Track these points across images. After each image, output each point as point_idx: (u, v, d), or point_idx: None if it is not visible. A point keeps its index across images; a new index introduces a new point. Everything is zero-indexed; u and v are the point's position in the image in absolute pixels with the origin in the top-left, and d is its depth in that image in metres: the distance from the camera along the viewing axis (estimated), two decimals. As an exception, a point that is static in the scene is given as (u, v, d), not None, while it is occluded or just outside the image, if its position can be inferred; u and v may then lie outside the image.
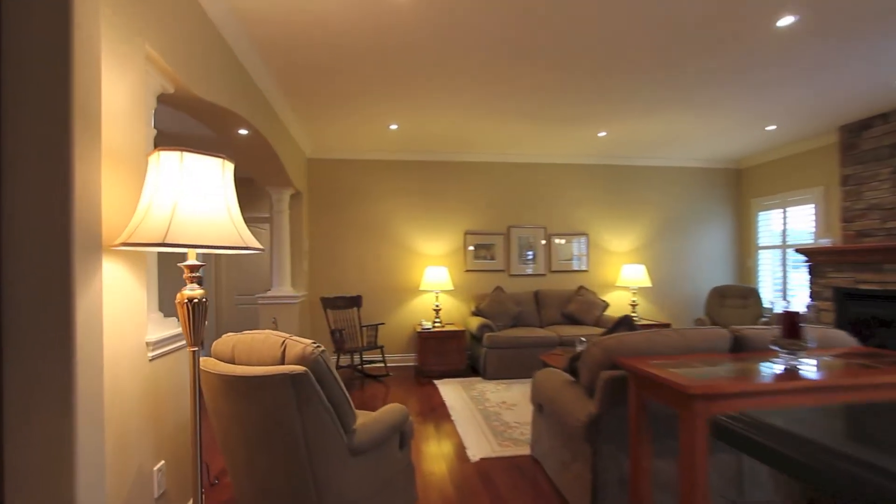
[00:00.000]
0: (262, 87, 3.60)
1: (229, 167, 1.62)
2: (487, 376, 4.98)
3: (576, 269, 6.19)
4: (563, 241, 6.18)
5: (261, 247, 1.65)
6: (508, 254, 6.04)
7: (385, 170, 5.80)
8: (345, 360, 5.45)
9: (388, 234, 5.78)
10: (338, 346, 4.79)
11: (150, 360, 1.87)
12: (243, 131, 3.59)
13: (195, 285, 1.60)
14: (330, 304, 5.03)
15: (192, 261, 1.60)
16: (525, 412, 3.87)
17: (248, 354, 1.84)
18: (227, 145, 3.98)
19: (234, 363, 1.87)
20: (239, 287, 6.68)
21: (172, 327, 2.13)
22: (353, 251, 5.72)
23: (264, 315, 4.75)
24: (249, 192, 6.62)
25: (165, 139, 4.92)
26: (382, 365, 5.06)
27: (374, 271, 5.75)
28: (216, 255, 6.50)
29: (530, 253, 6.10)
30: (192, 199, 1.46)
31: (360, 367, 5.22)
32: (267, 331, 1.91)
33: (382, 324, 5.19)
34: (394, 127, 4.82)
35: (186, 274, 1.59)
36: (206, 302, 1.62)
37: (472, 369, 5.44)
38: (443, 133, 5.06)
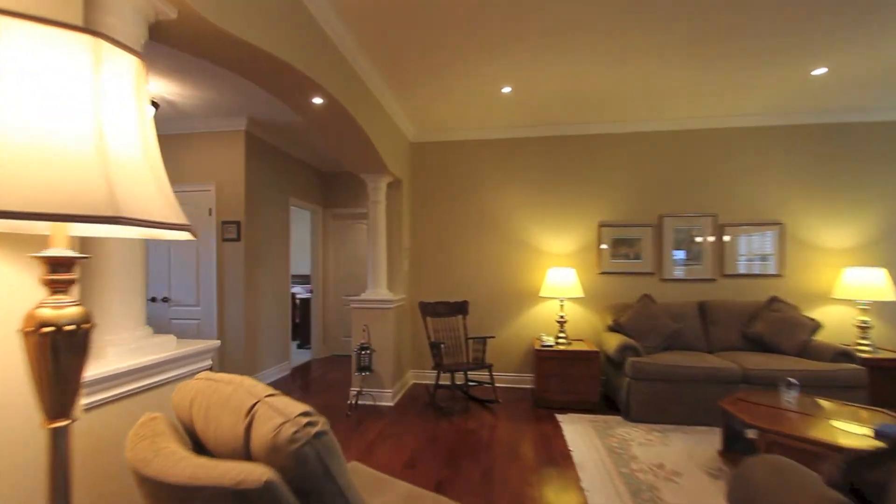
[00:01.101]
0: (342, 47, 2.90)
1: (116, 57, 0.80)
2: (631, 416, 3.66)
3: (763, 272, 4.43)
4: (742, 234, 4.47)
5: (178, 222, 0.80)
6: (660, 251, 4.56)
7: (497, 150, 4.82)
8: (447, 375, 4.62)
9: (502, 228, 4.79)
10: (437, 363, 3.96)
11: (86, 409, 1.19)
12: (318, 100, 2.95)
13: (62, 297, 0.82)
14: (429, 310, 4.24)
15: (54, 249, 0.82)
16: (698, 489, 2.53)
17: (205, 419, 1.03)
18: (313, 128, 3.42)
19: (194, 428, 1.09)
20: (347, 286, 6.36)
21: (153, 352, 1.45)
22: (460, 248, 4.86)
23: (356, 321, 4.15)
24: (351, 186, 6.25)
25: (257, 127, 4.66)
26: (490, 387, 4.09)
27: (483, 272, 4.81)
28: (315, 246, 6.24)
29: (689, 251, 4.53)
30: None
31: (464, 386, 4.33)
32: (239, 379, 1.08)
33: (492, 337, 4.24)
34: (507, 90, 3.81)
35: (44, 275, 0.81)
36: (86, 331, 0.83)
37: (608, 402, 4.14)
38: (569, 95, 3.88)
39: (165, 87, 3.72)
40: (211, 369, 1.90)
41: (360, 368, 3.91)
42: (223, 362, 4.48)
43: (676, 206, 4.54)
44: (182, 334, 4.54)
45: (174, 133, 4.60)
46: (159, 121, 4.47)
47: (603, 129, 4.61)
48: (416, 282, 4.93)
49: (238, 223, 4.45)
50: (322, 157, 5.88)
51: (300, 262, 8.59)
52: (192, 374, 1.60)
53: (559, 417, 3.78)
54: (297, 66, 2.38)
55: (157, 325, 4.60)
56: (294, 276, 8.58)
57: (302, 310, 6.85)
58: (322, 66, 2.71)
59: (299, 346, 6.79)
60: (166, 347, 1.51)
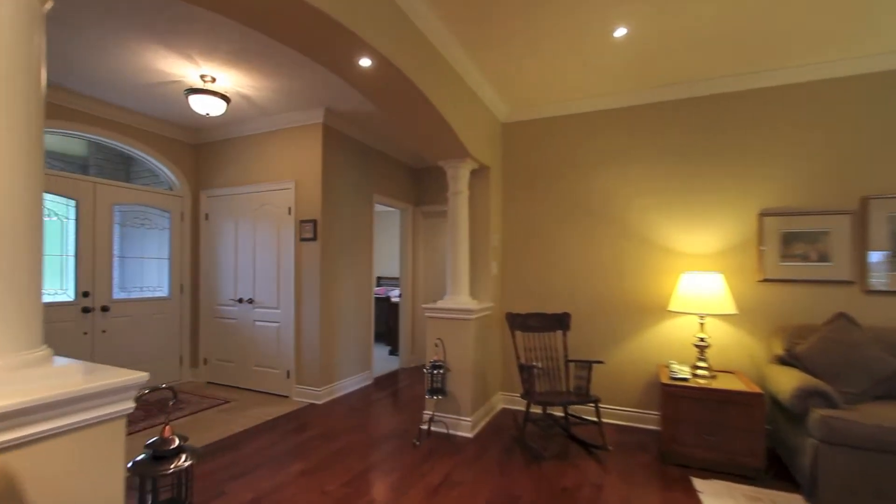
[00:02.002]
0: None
1: None
2: (820, 498, 2.41)
3: None
4: None
5: None
6: (863, 250, 3.10)
7: (607, 124, 3.82)
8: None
9: (615, 222, 3.77)
10: (527, 390, 3.14)
11: None
12: (365, 61, 2.40)
13: None
14: (519, 323, 3.44)
15: None
16: None
17: None
18: (370, 99, 2.92)
19: None
20: (439, 290, 5.83)
21: (16, 393, 0.96)
22: (561, 248, 3.95)
23: (431, 333, 3.54)
24: (442, 181, 5.69)
25: (336, 119, 4.34)
26: (597, 425, 3.11)
27: (589, 278, 3.83)
28: (404, 246, 5.80)
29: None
30: None
31: (563, 422, 3.41)
32: None
33: (600, 362, 3.27)
34: (621, 33, 2.85)
35: None
36: None
37: (776, 466, 2.88)
38: (713, 32, 2.77)
39: (236, 80, 3.55)
40: (169, 404, 1.41)
41: (432, 391, 3.28)
42: (300, 371, 4.24)
43: (890, 182, 3.04)
44: (264, 337, 4.43)
45: (255, 133, 4.54)
46: (240, 120, 4.43)
47: (769, 80, 3.31)
48: (506, 288, 4.14)
49: (314, 221, 4.17)
50: (410, 151, 5.45)
51: (393, 263, 8.39)
52: (99, 423, 1.09)
53: (697, 484, 2.67)
54: (329, 12, 1.83)
55: (243, 327, 4.56)
56: (389, 279, 8.42)
57: (395, 314, 6.53)
58: (367, 16, 2.14)
59: (391, 353, 6.47)
60: (57, 382, 1.03)
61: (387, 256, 8.63)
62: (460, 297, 3.57)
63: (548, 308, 3.93)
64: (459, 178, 3.66)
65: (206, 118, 4.41)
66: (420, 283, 5.90)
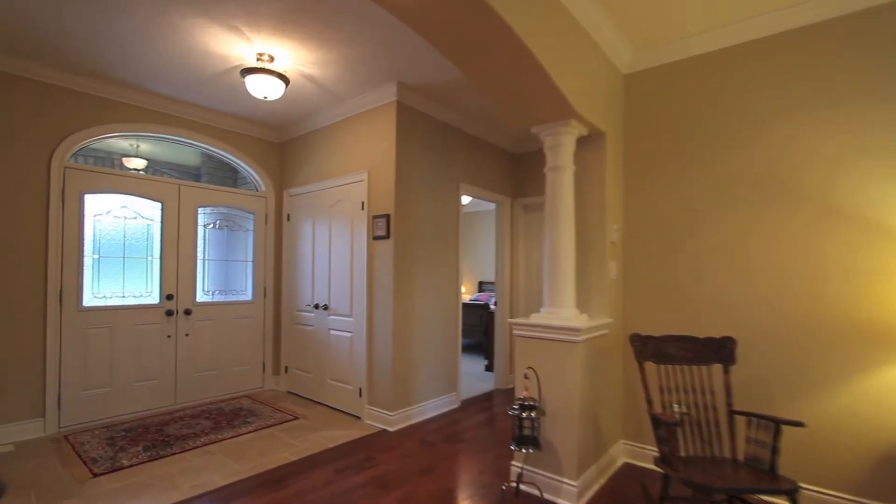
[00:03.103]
0: None
1: None
2: None
3: None
4: None
5: None
6: None
7: (801, 50, 2.50)
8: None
9: (810, 197, 2.43)
10: (664, 456, 2.05)
11: None
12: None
13: None
14: (651, 350, 2.34)
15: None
16: None
17: None
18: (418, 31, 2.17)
19: None
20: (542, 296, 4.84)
21: None
22: (714, 241, 2.72)
23: (520, 359, 2.62)
24: (533, 168, 4.69)
25: (412, 95, 3.66)
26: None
27: (769, 285, 2.53)
28: (501, 245, 4.91)
29: None
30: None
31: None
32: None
33: (797, 424, 2.01)
34: None
35: None
36: None
37: None
38: None
39: (293, 55, 3.10)
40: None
41: (520, 440, 2.36)
42: (372, 390, 3.65)
43: None
44: (338, 348, 3.96)
45: (329, 123, 4.15)
46: (313, 111, 4.02)
47: None
48: (631, 299, 3.03)
49: (387, 217, 3.57)
50: (507, 132, 4.59)
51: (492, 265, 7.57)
52: None
53: None
54: None
55: (319, 335, 4.16)
56: (490, 283, 7.62)
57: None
58: None
59: (487, 368, 5.63)
60: None
61: (485, 258, 7.87)
62: (562, 311, 2.59)
63: (697, 329, 2.73)
64: (561, 149, 2.69)
65: (285, 114, 4.12)
66: (520, 288, 4.97)
